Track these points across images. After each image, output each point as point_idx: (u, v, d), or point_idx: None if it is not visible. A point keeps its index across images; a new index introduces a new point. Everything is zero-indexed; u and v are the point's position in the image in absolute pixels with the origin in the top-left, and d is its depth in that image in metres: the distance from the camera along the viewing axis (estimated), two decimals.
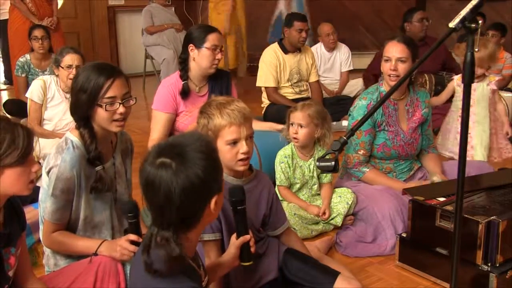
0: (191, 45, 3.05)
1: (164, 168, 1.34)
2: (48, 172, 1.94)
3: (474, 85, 3.59)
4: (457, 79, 3.76)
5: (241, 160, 1.95)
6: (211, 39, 3.01)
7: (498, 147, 3.73)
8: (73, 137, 1.98)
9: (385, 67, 2.87)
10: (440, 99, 3.92)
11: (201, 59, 3.03)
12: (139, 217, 1.94)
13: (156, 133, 3.06)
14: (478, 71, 3.53)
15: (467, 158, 3.32)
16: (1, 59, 7.15)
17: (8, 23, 5.65)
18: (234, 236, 1.81)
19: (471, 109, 3.44)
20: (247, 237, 1.79)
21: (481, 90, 3.63)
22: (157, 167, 1.35)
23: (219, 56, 3.03)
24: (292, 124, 2.93)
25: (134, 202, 1.95)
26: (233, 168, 1.99)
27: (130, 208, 1.91)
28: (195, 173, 1.35)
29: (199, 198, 1.38)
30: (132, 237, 1.91)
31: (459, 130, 3.66)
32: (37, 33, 4.72)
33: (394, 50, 2.83)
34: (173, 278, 1.35)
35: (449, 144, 3.74)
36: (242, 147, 1.94)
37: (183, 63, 3.10)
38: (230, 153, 1.95)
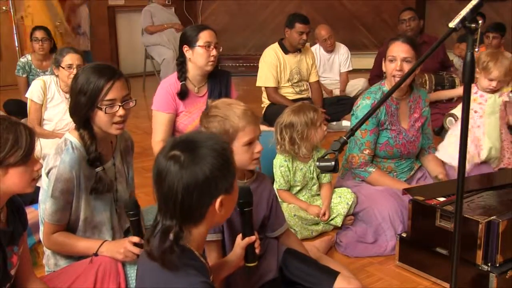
0: (185, 46, 3.05)
1: (173, 161, 1.36)
2: (47, 173, 1.93)
3: (486, 96, 3.53)
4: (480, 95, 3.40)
5: (256, 159, 1.96)
6: (203, 36, 3.00)
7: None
8: (73, 138, 1.98)
9: (390, 67, 2.85)
10: (442, 94, 3.83)
11: (196, 58, 3.02)
12: (140, 215, 1.94)
13: (160, 134, 3.05)
14: (498, 85, 3.38)
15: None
16: None
17: None
18: (239, 236, 1.81)
19: (480, 120, 3.46)
20: (253, 238, 1.79)
21: (492, 101, 3.45)
22: (168, 158, 1.38)
23: (214, 52, 3.01)
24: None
25: (135, 200, 1.95)
26: (247, 168, 2.00)
27: (130, 206, 1.91)
28: (201, 170, 1.36)
29: (202, 195, 1.38)
30: (135, 239, 1.92)
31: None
32: (38, 34, 4.73)
33: (400, 50, 2.81)
34: (186, 273, 1.36)
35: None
36: (257, 146, 1.95)
37: (181, 65, 3.09)
38: (247, 153, 1.95)
